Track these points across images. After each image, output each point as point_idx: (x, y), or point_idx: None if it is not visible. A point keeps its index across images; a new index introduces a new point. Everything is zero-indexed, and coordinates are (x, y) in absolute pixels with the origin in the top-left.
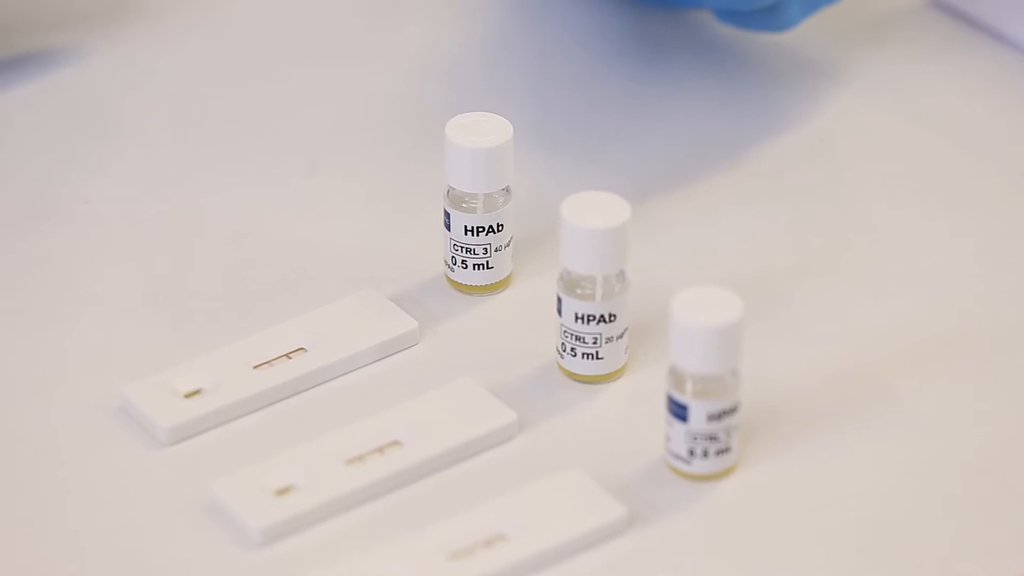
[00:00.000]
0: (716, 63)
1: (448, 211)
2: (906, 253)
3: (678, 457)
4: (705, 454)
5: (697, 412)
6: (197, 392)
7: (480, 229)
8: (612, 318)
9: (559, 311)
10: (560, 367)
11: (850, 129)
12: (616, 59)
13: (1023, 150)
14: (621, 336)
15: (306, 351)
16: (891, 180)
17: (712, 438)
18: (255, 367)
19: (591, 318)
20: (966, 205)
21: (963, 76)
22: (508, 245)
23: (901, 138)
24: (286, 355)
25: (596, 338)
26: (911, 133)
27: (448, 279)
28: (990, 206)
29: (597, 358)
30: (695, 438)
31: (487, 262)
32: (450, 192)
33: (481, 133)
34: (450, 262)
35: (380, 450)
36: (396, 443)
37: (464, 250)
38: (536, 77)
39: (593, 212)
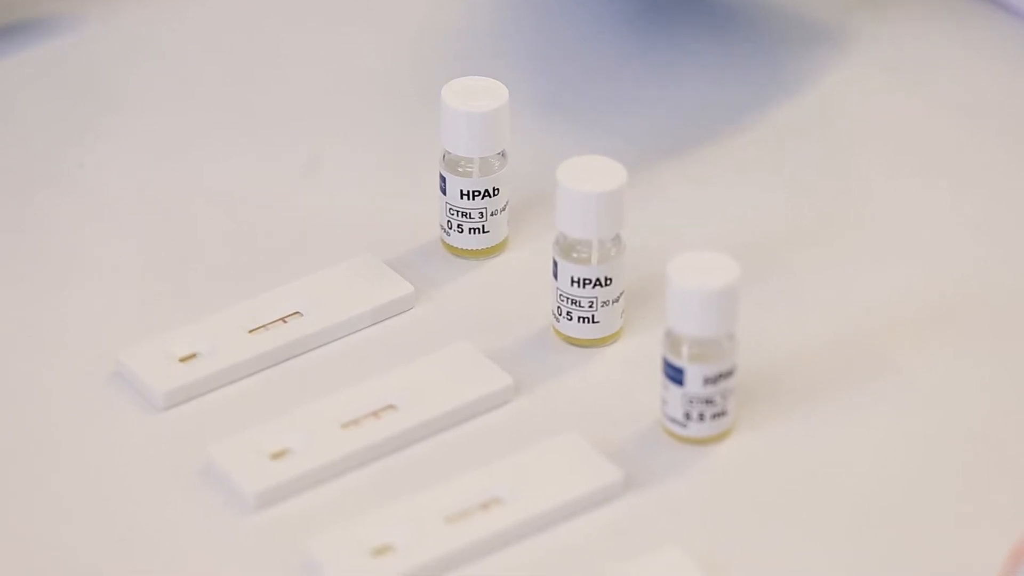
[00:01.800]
0: (718, 29)
1: (444, 175)
2: (905, 222)
3: (674, 421)
4: (701, 418)
5: (693, 375)
6: (193, 356)
7: (476, 193)
8: (608, 282)
9: (555, 275)
10: (556, 331)
11: (851, 98)
12: (615, 24)
13: None
14: (617, 300)
15: (302, 315)
16: (891, 149)
17: (708, 402)
18: (251, 331)
19: (587, 282)
20: (966, 175)
21: (964, 46)
22: (504, 209)
23: (901, 107)
24: (282, 319)
25: (592, 302)
26: (911, 102)
27: (444, 243)
28: (990, 176)
29: (593, 322)
30: (691, 401)
31: (483, 226)
32: (446, 156)
33: (477, 97)
34: (446, 226)
35: (376, 414)
36: (392, 407)
37: (460, 214)
38: (535, 41)
39: (589, 176)
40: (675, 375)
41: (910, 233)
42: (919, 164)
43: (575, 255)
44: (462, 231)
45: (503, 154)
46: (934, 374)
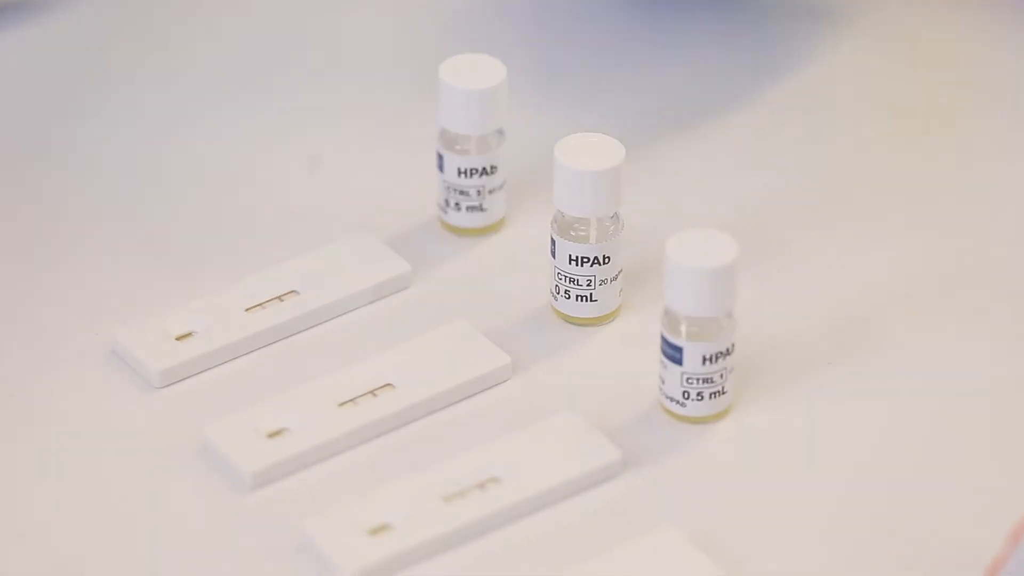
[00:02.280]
0: (717, 6)
1: (441, 153)
2: (905, 197)
3: (672, 399)
4: (700, 396)
5: (691, 354)
6: (189, 335)
7: (473, 171)
8: (606, 260)
9: (553, 253)
10: (554, 309)
11: (850, 74)
12: (614, 1)
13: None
14: (615, 278)
15: (298, 294)
16: (891, 124)
17: (707, 380)
18: (247, 310)
19: (585, 260)
20: (967, 149)
21: (964, 19)
22: (501, 187)
23: (901, 84)
24: (278, 298)
25: (590, 280)
26: (911, 79)
27: (441, 222)
28: (991, 150)
29: (591, 300)
30: (689, 380)
31: (480, 204)
32: (443, 134)
33: (475, 74)
34: (443, 205)
35: (373, 393)
36: (389, 386)
37: (457, 192)
38: (533, 18)
39: (587, 154)
40: (673, 354)
41: (910, 210)
42: (919, 140)
43: (573, 233)
44: (460, 209)
45: (501, 131)
46: (934, 351)
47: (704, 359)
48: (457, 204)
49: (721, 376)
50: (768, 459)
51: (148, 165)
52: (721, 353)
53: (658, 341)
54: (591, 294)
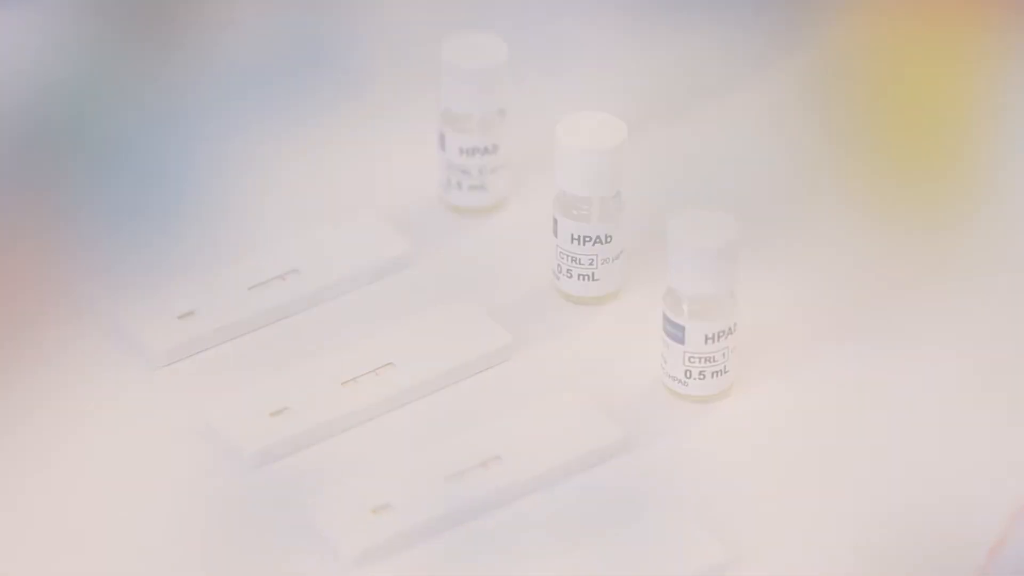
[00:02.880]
0: None
1: (443, 132)
2: (910, 179)
3: (675, 379)
4: (702, 376)
5: (694, 333)
6: (191, 314)
7: (475, 150)
8: (608, 239)
9: (555, 232)
10: (556, 289)
11: (855, 52)
12: None
13: None
14: (617, 257)
15: (300, 273)
16: (894, 105)
17: (709, 360)
18: (249, 289)
19: (587, 239)
20: (974, 131)
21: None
22: (503, 166)
23: (907, 61)
24: (280, 277)
25: (592, 259)
26: (917, 57)
27: (443, 201)
28: (998, 131)
29: (593, 279)
30: (691, 359)
31: (482, 183)
32: (445, 113)
33: (476, 53)
34: (445, 184)
35: (375, 372)
36: (391, 365)
37: (459, 171)
38: None
39: (589, 133)
40: (676, 333)
41: (914, 191)
42: (924, 122)
43: (575, 212)
44: (461, 188)
45: (502, 111)
46: (936, 330)
47: (706, 338)
48: (459, 183)
49: (723, 355)
50: (770, 438)
51: (150, 146)
52: (723, 332)
53: (660, 320)
54: (593, 273)
